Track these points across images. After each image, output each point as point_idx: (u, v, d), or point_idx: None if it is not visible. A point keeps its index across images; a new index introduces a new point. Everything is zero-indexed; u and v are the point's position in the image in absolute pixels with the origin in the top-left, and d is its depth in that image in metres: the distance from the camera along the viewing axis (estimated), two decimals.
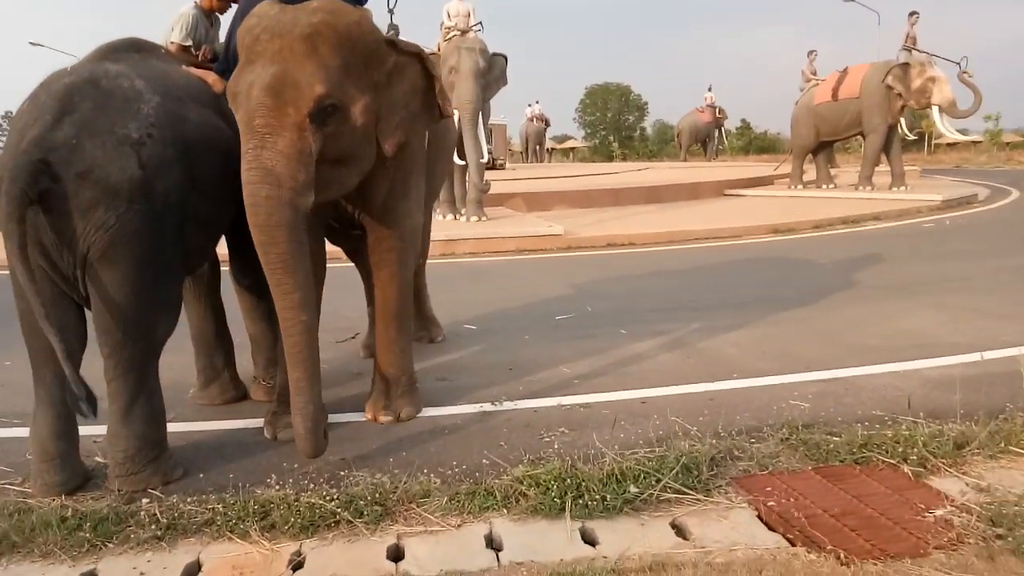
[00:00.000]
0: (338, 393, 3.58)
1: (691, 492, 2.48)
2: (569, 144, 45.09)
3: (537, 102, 32.82)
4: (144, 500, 2.51)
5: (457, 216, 9.57)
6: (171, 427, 3.14)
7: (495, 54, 9.16)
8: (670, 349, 4.29)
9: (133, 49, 2.84)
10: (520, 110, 33.81)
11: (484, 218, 9.29)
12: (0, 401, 3.52)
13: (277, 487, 2.56)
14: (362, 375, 3.79)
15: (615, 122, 51.89)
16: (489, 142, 18.75)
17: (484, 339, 4.62)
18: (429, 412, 3.33)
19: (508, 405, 3.40)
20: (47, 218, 2.36)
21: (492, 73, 9.07)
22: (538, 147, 32.58)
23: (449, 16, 9.42)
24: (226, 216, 2.94)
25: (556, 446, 2.90)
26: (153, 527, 2.33)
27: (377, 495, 2.49)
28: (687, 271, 7.02)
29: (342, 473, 2.70)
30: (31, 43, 28.11)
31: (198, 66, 3.27)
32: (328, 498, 2.45)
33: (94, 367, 2.55)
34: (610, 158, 40.33)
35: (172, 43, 3.44)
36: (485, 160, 9.04)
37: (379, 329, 3.23)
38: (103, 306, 2.46)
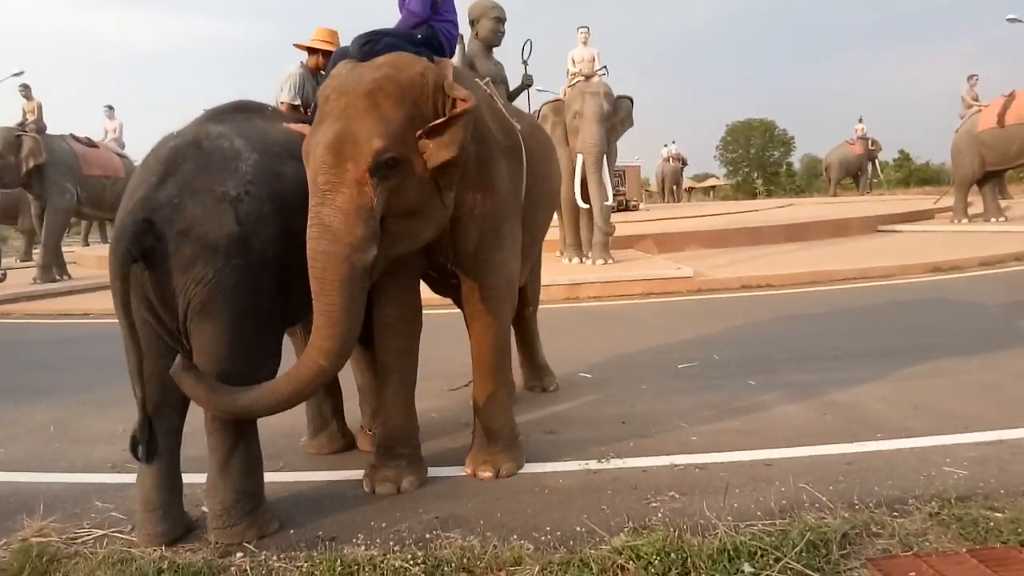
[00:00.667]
0: (444, 445, 3.50)
1: (817, 574, 2.16)
2: (709, 183, 44.13)
3: (673, 142, 32.60)
4: (238, 555, 2.50)
5: (583, 260, 9.43)
6: (276, 477, 3.20)
7: (621, 97, 9.06)
8: (804, 403, 3.89)
9: (239, 111, 2.94)
10: (656, 151, 33.60)
11: (610, 261, 9.09)
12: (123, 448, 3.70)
13: (365, 546, 2.48)
14: (471, 426, 3.68)
15: (759, 158, 50.44)
16: (622, 184, 18.72)
17: (599, 389, 4.41)
18: (531, 468, 3.16)
19: (616, 463, 3.18)
20: (152, 274, 2.44)
21: (618, 116, 8.97)
22: (675, 187, 32.11)
23: (573, 62, 9.44)
24: None
25: (662, 513, 2.65)
26: None
27: (465, 560, 2.35)
28: (829, 315, 6.47)
29: (433, 533, 2.58)
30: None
31: (307, 123, 3.37)
32: (414, 561, 2.34)
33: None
34: (753, 195, 38.98)
35: (282, 103, 3.58)
36: (610, 203, 8.87)
37: (476, 381, 3.13)
38: (202, 358, 2.51)
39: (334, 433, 3.52)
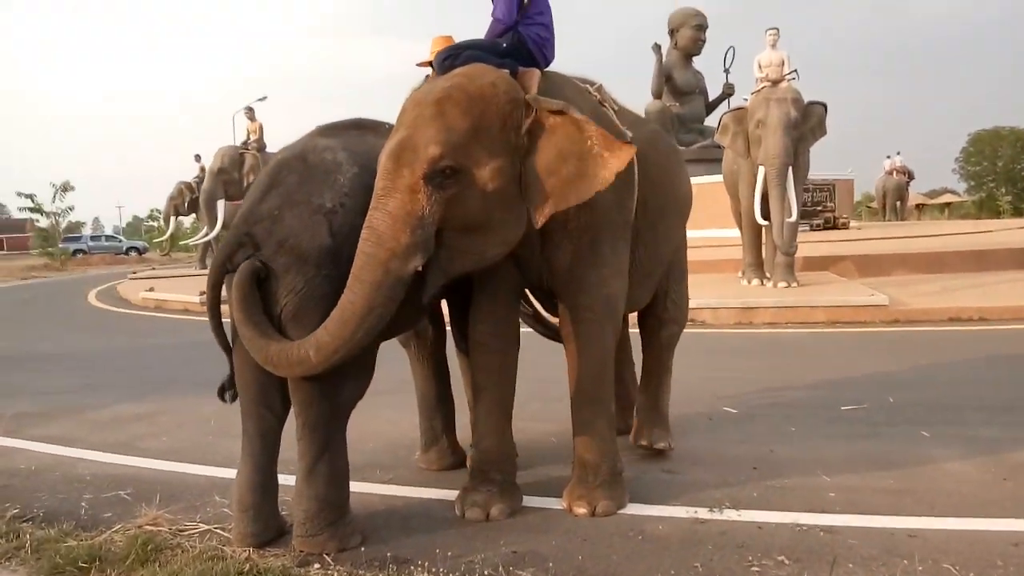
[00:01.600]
0: (549, 473, 3.33)
1: None
2: (944, 199, 39.56)
3: (898, 153, 29.61)
4: (315, 565, 2.53)
5: (764, 282, 8.75)
6: (378, 489, 3.24)
7: (812, 103, 8.33)
8: (982, 464, 3.26)
9: (354, 127, 3.00)
10: (878, 162, 30.70)
11: (794, 284, 8.35)
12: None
13: (429, 574, 2.40)
14: None
15: (1007, 172, 44.61)
16: (831, 199, 17.24)
17: (740, 426, 4.01)
18: (633, 509, 2.91)
19: (729, 514, 2.84)
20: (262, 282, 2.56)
21: (807, 124, 8.25)
22: (899, 203, 29.08)
23: (760, 67, 8.84)
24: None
25: None
26: None
27: None
28: None
29: (504, 569, 2.44)
30: None
31: None
32: None
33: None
34: (997, 214, 34.49)
35: None
36: (793, 220, 8.14)
37: (573, 409, 2.94)
38: None
39: (444, 449, 3.49)
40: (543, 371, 4.11)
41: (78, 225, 52.75)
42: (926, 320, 7.13)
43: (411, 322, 3.13)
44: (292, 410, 2.67)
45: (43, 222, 29.18)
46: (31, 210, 28.55)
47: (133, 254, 33.69)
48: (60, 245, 29.70)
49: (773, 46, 8.98)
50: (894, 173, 28.89)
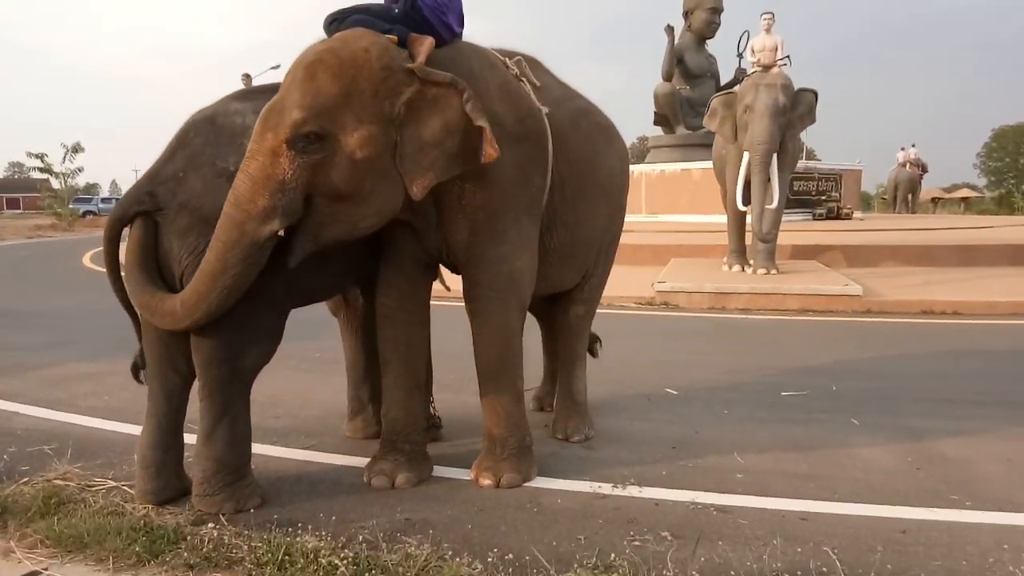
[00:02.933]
0: (472, 446, 3.34)
1: None
2: (961, 193, 39.01)
3: (913, 145, 29.07)
4: (209, 524, 2.55)
5: (745, 268, 8.69)
6: (296, 455, 3.27)
7: (802, 89, 8.22)
8: (901, 453, 3.26)
9: (273, 91, 2.98)
10: (891, 153, 30.28)
11: (773, 271, 8.29)
12: None
13: (317, 538, 2.42)
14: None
15: None
16: (836, 188, 17.04)
17: (674, 408, 4.01)
18: (539, 483, 2.93)
19: (631, 490, 2.85)
20: (161, 240, 2.58)
21: (796, 111, 8.14)
22: (910, 196, 28.68)
23: (753, 51, 8.72)
24: (344, 251, 2.92)
25: (636, 554, 2.31)
26: (194, 554, 2.36)
27: (399, 569, 2.22)
28: (1012, 354, 5.39)
29: (393, 535, 2.47)
30: None
31: None
32: (350, 561, 2.24)
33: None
34: (1013, 211, 34.06)
35: None
36: (774, 207, 8.06)
37: (480, 385, 2.94)
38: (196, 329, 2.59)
39: (369, 418, 3.51)
40: None
41: (94, 187, 53.14)
42: (899, 311, 7.07)
43: (325, 291, 3.14)
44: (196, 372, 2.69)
45: (54, 183, 29.44)
46: (40, 170, 28.80)
47: None
48: (70, 206, 29.92)
49: (768, 31, 8.86)
50: (907, 165, 28.46)
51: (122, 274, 2.61)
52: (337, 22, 2.62)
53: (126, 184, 66.44)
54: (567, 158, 3.02)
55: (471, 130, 2.50)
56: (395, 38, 2.55)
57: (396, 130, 2.49)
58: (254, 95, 2.90)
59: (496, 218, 2.77)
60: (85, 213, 33.25)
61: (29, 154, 28.04)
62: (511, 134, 2.74)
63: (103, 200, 40.60)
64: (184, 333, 2.67)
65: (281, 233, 2.42)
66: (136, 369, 2.79)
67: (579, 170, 3.11)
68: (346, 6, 2.71)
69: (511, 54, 3.04)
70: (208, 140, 2.62)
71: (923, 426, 3.62)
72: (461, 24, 2.82)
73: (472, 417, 3.69)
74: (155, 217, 2.55)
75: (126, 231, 2.62)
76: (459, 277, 2.98)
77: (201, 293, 2.39)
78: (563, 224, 3.10)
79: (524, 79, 2.96)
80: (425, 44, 2.54)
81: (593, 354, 3.85)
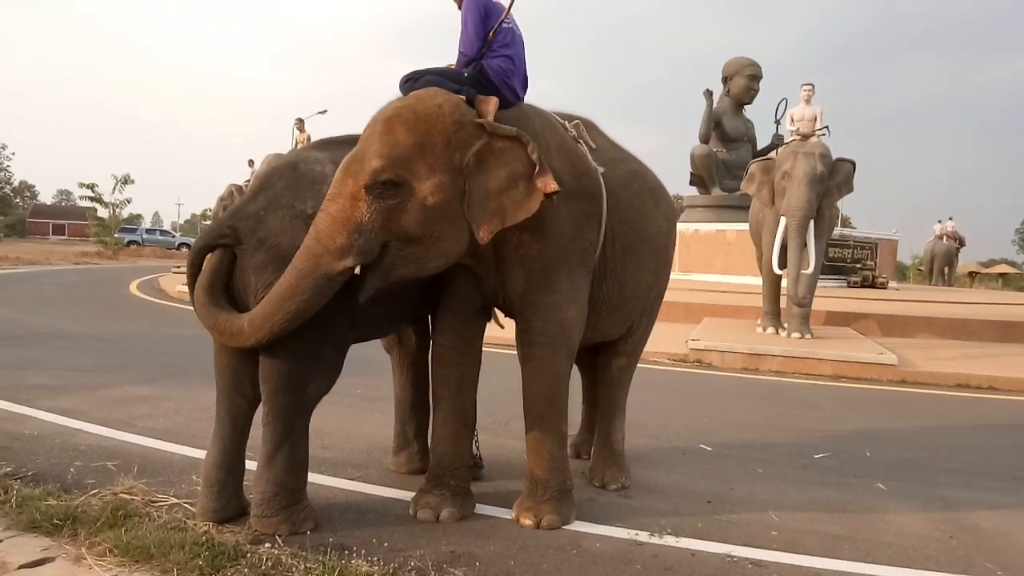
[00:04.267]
0: (511, 486, 3.45)
1: None
2: (999, 269, 38.52)
3: (950, 218, 29.01)
4: (266, 544, 2.69)
5: (779, 331, 8.74)
6: (345, 485, 3.40)
7: (840, 159, 8.39)
8: (934, 521, 3.30)
9: (348, 142, 3.20)
10: (929, 224, 30.12)
11: (808, 335, 8.33)
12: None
13: (368, 563, 2.55)
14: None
15: None
16: (872, 257, 17.04)
17: (708, 463, 4.08)
18: (576, 527, 3.03)
19: (668, 540, 2.94)
20: (237, 273, 2.79)
21: (834, 179, 8.31)
22: (947, 268, 28.46)
23: (792, 120, 8.93)
24: (406, 292, 3.11)
25: None
26: (254, 571, 2.49)
27: None
28: None
29: (441, 566, 2.58)
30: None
31: None
32: None
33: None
34: None
35: None
36: (810, 272, 8.15)
37: (526, 428, 3.08)
38: (264, 355, 2.78)
39: (413, 454, 3.65)
40: None
41: (137, 218, 54.68)
42: (933, 383, 7.06)
43: (383, 328, 3.31)
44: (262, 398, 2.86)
45: (102, 211, 30.47)
46: (91, 199, 29.87)
47: (184, 249, 34.72)
48: (116, 235, 30.89)
49: (807, 101, 9.06)
50: (944, 238, 28.32)
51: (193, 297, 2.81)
52: (412, 81, 2.89)
53: (168, 216, 68.44)
54: (619, 216, 3.21)
55: (532, 181, 2.70)
56: (464, 97, 2.79)
57: (465, 179, 2.71)
58: (332, 145, 3.14)
59: (551, 268, 2.95)
60: (129, 243, 34.27)
61: (81, 184, 29.19)
62: (568, 191, 2.94)
63: (147, 231, 41.79)
64: (253, 361, 2.86)
65: (357, 271, 2.61)
66: None
67: (629, 228, 3.29)
68: (420, 68, 2.96)
69: (570, 117, 3.27)
70: (289, 184, 2.85)
71: (957, 497, 3.66)
72: (525, 88, 3.07)
73: (510, 459, 3.82)
74: (234, 250, 2.77)
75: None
76: (512, 321, 3.15)
77: (267, 314, 2.58)
78: (613, 277, 3.27)
79: (581, 140, 3.18)
80: (491, 103, 2.80)
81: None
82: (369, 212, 2.57)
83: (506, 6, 3.03)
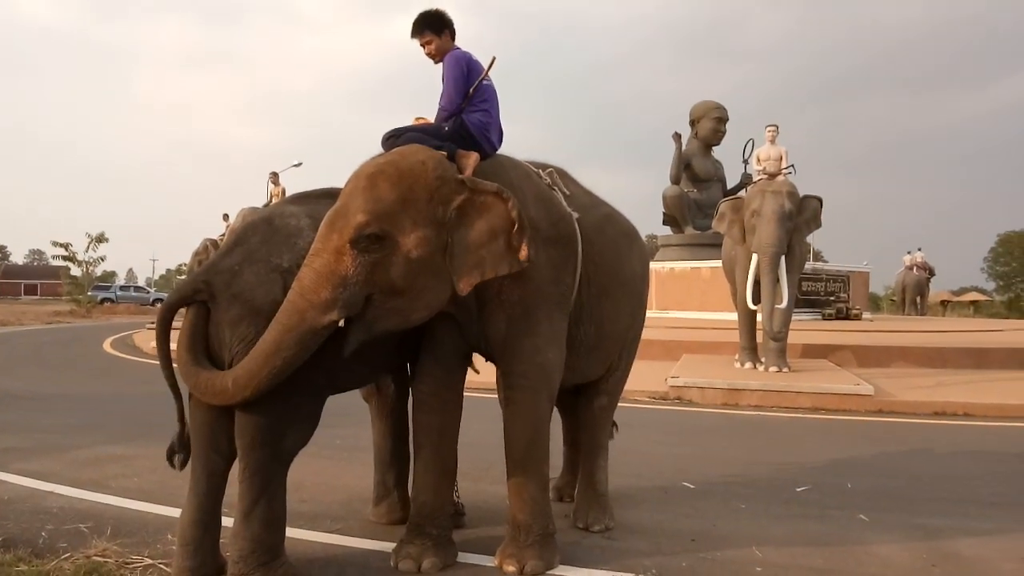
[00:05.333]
0: (493, 533, 3.42)
1: None
2: (970, 297, 39.24)
3: (919, 249, 29.55)
4: None
5: (757, 365, 8.82)
6: (324, 538, 3.35)
7: (807, 196, 8.61)
8: (915, 550, 3.31)
9: (324, 196, 3.23)
10: (898, 256, 30.69)
11: (785, 369, 8.40)
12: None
13: None
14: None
15: None
16: (844, 290, 17.30)
17: (692, 501, 4.07)
18: (561, 571, 3.00)
19: None
20: (211, 328, 2.77)
21: (802, 216, 8.50)
22: (919, 298, 28.91)
23: (759, 160, 9.16)
24: (384, 343, 3.11)
25: None
26: None
27: None
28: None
29: None
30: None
31: None
32: None
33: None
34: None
35: None
36: (783, 306, 8.27)
37: (508, 472, 3.07)
38: (239, 410, 2.75)
39: (394, 504, 3.60)
40: None
41: (111, 275, 54.15)
42: (911, 412, 7.13)
43: (362, 378, 3.30)
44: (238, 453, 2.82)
45: (75, 270, 30.14)
46: (64, 258, 29.54)
47: (158, 305, 34.33)
48: (89, 293, 30.50)
49: (772, 141, 9.31)
50: (914, 268, 28.83)
51: (173, 357, 2.79)
52: (394, 138, 2.95)
53: (143, 272, 67.82)
54: (594, 259, 3.27)
55: (512, 233, 2.76)
56: (445, 153, 2.86)
57: (447, 233, 2.75)
58: (307, 199, 3.17)
59: (531, 312, 2.99)
60: (103, 300, 33.85)
61: (54, 243, 28.87)
62: (545, 237, 3.02)
63: (121, 288, 41.37)
64: (228, 417, 2.83)
65: (341, 324, 2.62)
66: (172, 453, 2.87)
67: (604, 270, 3.35)
68: (401, 125, 3.03)
69: (543, 165, 3.37)
70: (264, 239, 2.86)
71: (938, 525, 3.68)
72: (500, 140, 3.16)
73: (491, 505, 3.78)
74: (208, 305, 2.76)
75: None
76: (490, 365, 3.16)
77: (252, 371, 2.56)
78: (590, 319, 3.30)
79: (556, 188, 3.26)
80: (471, 159, 2.88)
81: (609, 436, 3.99)
82: (354, 266, 2.59)
83: (484, 65, 3.13)
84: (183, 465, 2.84)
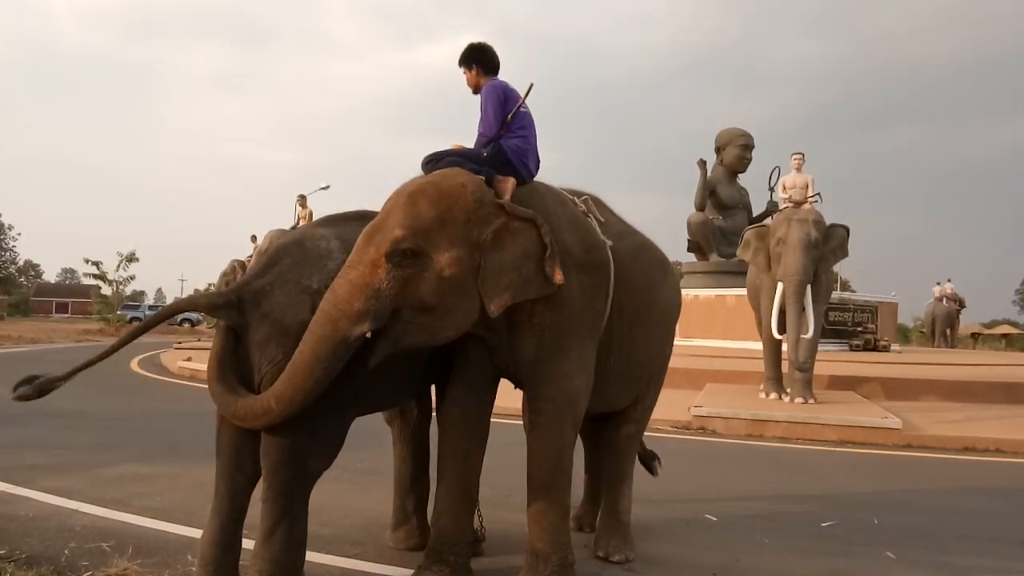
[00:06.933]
0: (511, 562, 3.39)
1: None
2: (1002, 329, 38.46)
3: (949, 280, 29.06)
4: None
5: (782, 396, 8.69)
6: (342, 563, 3.35)
7: (834, 225, 8.53)
8: None
9: (355, 218, 3.28)
10: (928, 287, 30.24)
11: (811, 400, 8.28)
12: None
13: None
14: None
15: None
16: (872, 320, 17.05)
17: (714, 534, 4.01)
18: None
19: None
20: (241, 348, 2.81)
21: (829, 244, 8.42)
22: (948, 330, 28.39)
23: (784, 188, 9.11)
24: (410, 365, 3.13)
25: None
26: None
27: None
28: None
29: None
30: None
31: None
32: None
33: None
34: None
35: None
36: (809, 336, 8.17)
37: (528, 498, 3.05)
38: (265, 431, 2.77)
39: (413, 529, 3.59)
40: None
41: (140, 295, 54.97)
42: (939, 447, 6.98)
43: (387, 401, 3.32)
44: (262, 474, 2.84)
45: (105, 289, 30.62)
46: (95, 276, 30.06)
47: (186, 325, 34.68)
48: (118, 312, 30.96)
49: (798, 169, 9.27)
50: (944, 299, 28.36)
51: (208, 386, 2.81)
52: (434, 162, 3.03)
53: (172, 292, 68.72)
54: (626, 287, 3.29)
55: (543, 258, 2.81)
56: (484, 177, 2.93)
57: (481, 255, 2.80)
58: (337, 222, 3.22)
59: (562, 337, 3.00)
60: (132, 319, 34.32)
61: (86, 260, 29.37)
62: (578, 263, 3.05)
63: (150, 307, 41.96)
64: (255, 438, 2.85)
65: (369, 335, 2.64)
66: (22, 384, 2.80)
67: (636, 298, 3.38)
68: (441, 148, 3.11)
69: (578, 193, 3.44)
70: (296, 261, 2.90)
71: (967, 564, 3.59)
72: (537, 166, 3.24)
73: (510, 532, 3.75)
74: (236, 329, 2.80)
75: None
76: (517, 392, 3.18)
77: (297, 385, 2.58)
78: (620, 346, 3.31)
79: (590, 215, 3.30)
80: (508, 184, 2.97)
81: (652, 472, 4.06)
82: (387, 279, 2.64)
83: (521, 94, 3.21)
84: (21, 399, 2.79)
